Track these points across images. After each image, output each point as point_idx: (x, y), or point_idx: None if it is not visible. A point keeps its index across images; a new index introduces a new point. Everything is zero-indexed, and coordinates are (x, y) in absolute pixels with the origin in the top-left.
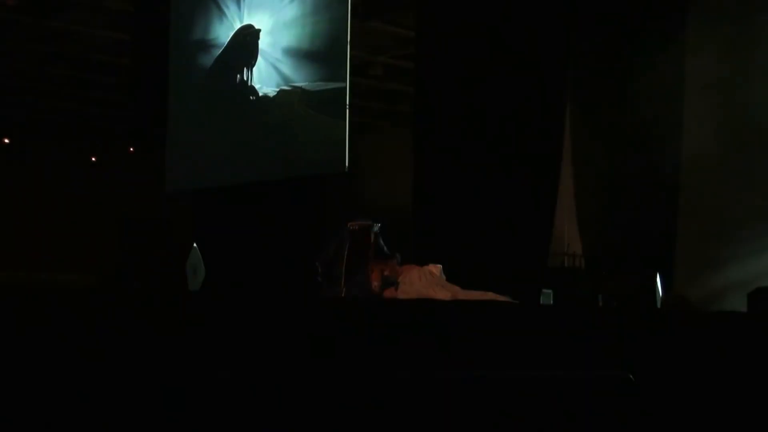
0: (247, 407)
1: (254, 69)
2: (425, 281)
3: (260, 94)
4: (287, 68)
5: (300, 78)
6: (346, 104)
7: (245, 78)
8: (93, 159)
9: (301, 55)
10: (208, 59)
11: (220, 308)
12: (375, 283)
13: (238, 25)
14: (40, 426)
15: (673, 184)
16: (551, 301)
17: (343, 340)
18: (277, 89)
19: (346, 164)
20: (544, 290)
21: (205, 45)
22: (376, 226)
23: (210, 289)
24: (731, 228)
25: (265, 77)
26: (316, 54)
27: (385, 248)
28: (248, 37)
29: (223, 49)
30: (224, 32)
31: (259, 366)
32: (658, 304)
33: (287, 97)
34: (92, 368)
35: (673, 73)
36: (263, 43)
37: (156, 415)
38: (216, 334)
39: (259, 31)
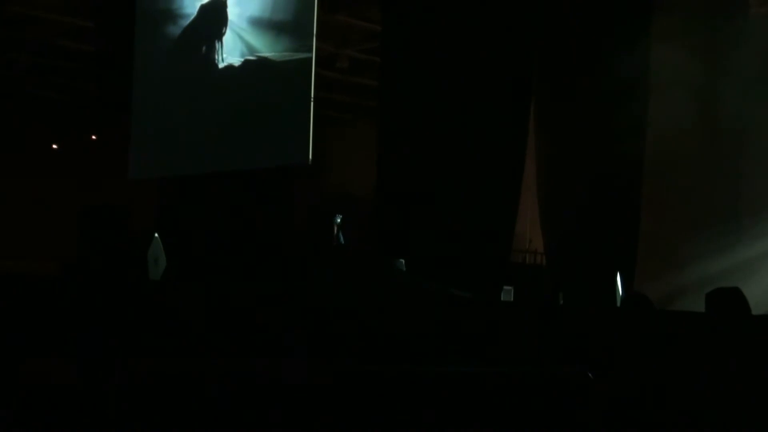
0: (211, 395)
1: (221, 40)
2: None
3: (225, 64)
4: (253, 38)
5: (266, 48)
6: (311, 77)
7: (213, 55)
8: (54, 146)
9: (267, 24)
10: (174, 30)
11: (181, 298)
12: None
13: None
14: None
15: (635, 184)
16: (512, 298)
17: (308, 332)
18: (242, 59)
19: (310, 156)
20: (505, 287)
21: (171, 15)
22: (338, 218)
23: (170, 278)
24: (692, 228)
25: (230, 47)
26: (283, 24)
27: (342, 240)
28: (217, 10)
29: (191, 22)
30: (190, 2)
31: (221, 355)
32: (618, 303)
33: (252, 69)
34: (50, 355)
35: (639, 74)
36: (230, 13)
37: (116, 404)
38: (177, 323)
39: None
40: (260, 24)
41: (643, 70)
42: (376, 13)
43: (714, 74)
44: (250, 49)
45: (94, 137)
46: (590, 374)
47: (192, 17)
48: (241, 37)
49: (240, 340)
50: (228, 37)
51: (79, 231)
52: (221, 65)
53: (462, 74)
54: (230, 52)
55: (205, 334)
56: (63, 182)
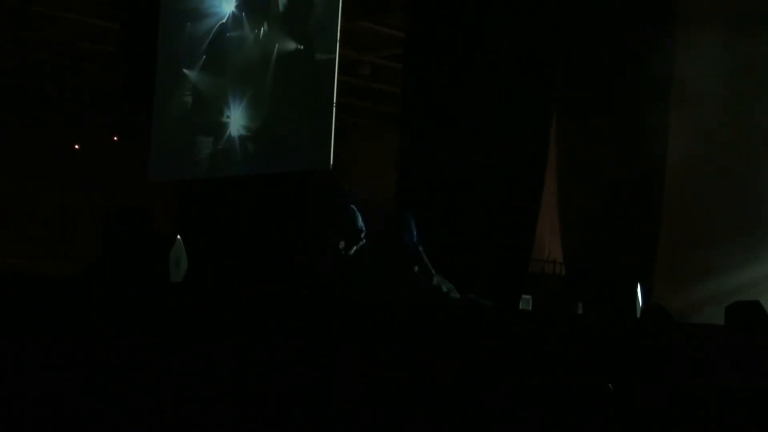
0: (231, 398)
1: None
2: None
3: (248, 67)
4: (276, 41)
5: (289, 50)
6: (334, 81)
7: (236, 57)
8: (76, 147)
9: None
10: (198, 31)
11: (202, 300)
12: None
13: None
14: (18, 414)
15: (656, 195)
16: (530, 307)
17: (324, 335)
18: (264, 61)
19: (331, 161)
20: (524, 296)
21: (195, 15)
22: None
23: (192, 281)
24: (712, 240)
25: (253, 50)
26: (307, 26)
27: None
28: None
29: (218, 24)
30: (216, 2)
31: (241, 357)
32: (638, 314)
33: (275, 72)
34: (72, 356)
35: (661, 83)
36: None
37: (136, 404)
38: (198, 325)
39: None
40: (285, 27)
41: (666, 79)
42: (398, 20)
43: (737, 85)
44: (273, 51)
45: (115, 138)
46: (610, 385)
47: (217, 18)
48: (264, 40)
49: (257, 342)
50: (251, 40)
51: (101, 232)
52: (243, 67)
53: (484, 82)
54: (252, 55)
55: (222, 335)
56: (84, 183)
